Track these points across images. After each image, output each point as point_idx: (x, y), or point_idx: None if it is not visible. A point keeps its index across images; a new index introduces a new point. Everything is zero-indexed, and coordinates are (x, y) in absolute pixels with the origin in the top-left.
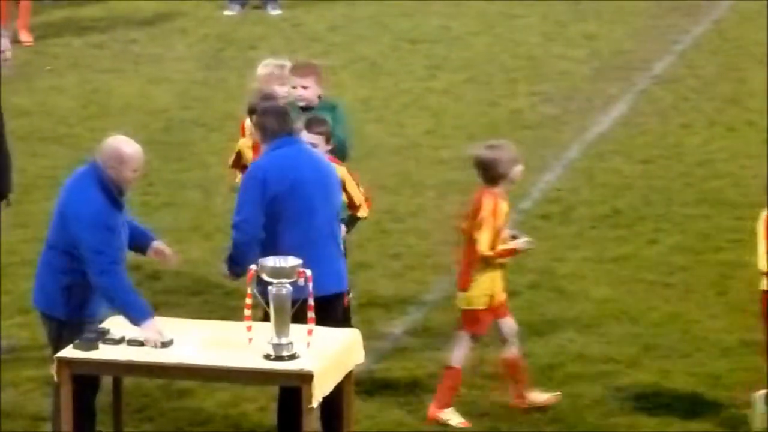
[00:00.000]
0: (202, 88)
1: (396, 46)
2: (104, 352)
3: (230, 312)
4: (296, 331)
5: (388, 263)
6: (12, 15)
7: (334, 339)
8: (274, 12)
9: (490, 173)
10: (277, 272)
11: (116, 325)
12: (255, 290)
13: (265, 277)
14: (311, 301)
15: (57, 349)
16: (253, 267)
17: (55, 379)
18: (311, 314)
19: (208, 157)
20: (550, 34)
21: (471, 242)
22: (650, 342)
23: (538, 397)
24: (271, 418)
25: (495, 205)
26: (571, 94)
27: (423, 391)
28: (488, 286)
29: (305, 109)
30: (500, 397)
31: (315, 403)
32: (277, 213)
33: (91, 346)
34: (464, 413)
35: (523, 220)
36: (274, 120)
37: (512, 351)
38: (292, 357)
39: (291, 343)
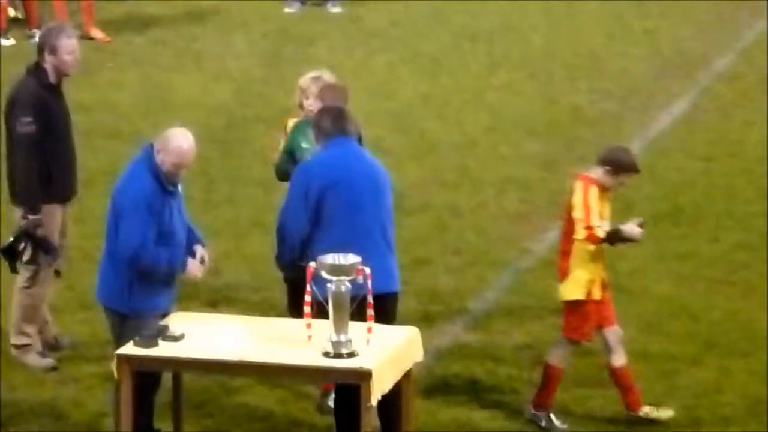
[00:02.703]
0: (263, 84)
1: (456, 42)
2: (164, 349)
3: None
4: (355, 328)
5: (448, 259)
6: (72, 13)
7: (393, 337)
8: (334, 9)
9: None
10: (337, 269)
11: (176, 321)
12: (314, 287)
13: (324, 275)
14: (370, 299)
15: (120, 344)
16: (312, 264)
17: (115, 375)
18: (371, 312)
19: (268, 153)
20: (612, 30)
21: None
22: (711, 340)
23: (652, 411)
24: (330, 415)
25: None
26: (632, 91)
27: (482, 389)
28: None
29: None
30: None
31: (374, 400)
32: (321, 211)
33: (151, 342)
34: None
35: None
36: (328, 120)
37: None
38: (351, 354)
39: (350, 341)
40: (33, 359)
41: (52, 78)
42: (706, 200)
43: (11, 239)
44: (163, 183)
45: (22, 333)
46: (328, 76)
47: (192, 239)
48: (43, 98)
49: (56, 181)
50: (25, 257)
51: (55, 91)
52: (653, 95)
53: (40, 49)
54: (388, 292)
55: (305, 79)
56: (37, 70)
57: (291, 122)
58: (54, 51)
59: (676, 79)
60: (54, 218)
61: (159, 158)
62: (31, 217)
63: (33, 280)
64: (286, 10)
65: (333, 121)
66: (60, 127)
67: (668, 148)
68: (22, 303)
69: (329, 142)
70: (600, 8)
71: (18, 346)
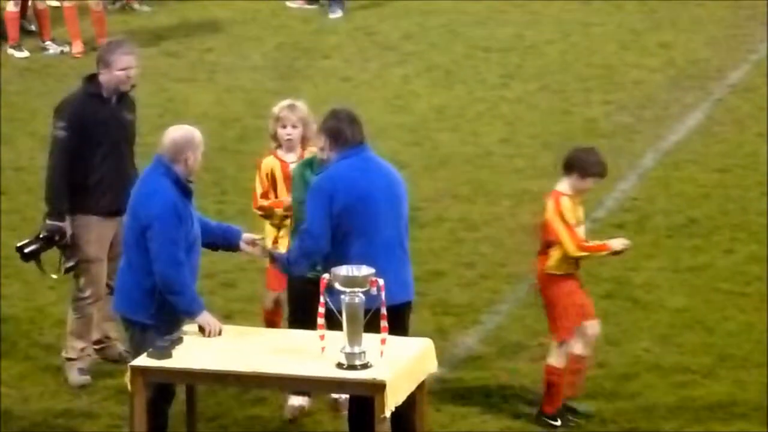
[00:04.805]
0: (276, 97)
1: (470, 54)
2: (178, 361)
3: None
4: (369, 340)
5: (462, 272)
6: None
7: (407, 348)
8: (334, 15)
9: None
10: (350, 281)
11: (190, 333)
12: (327, 299)
13: (338, 286)
14: (384, 311)
15: (139, 354)
16: (325, 276)
17: (129, 387)
18: (384, 323)
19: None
20: (626, 42)
21: None
22: (725, 352)
23: None
24: (345, 426)
25: None
26: (646, 103)
27: (496, 401)
28: None
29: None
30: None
31: (388, 412)
32: (345, 224)
33: (165, 354)
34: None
35: (597, 229)
36: (347, 126)
37: None
38: (365, 366)
39: (364, 352)
40: (73, 375)
41: (105, 91)
42: (721, 212)
43: (28, 239)
44: (185, 187)
45: (70, 347)
46: (301, 105)
47: (216, 230)
48: (85, 107)
49: (93, 193)
50: (67, 264)
51: (106, 103)
52: (667, 107)
53: (97, 62)
54: (407, 301)
55: (280, 107)
56: (89, 81)
57: (266, 162)
58: (108, 65)
59: (691, 91)
60: (90, 229)
61: (190, 157)
62: (48, 221)
63: (84, 293)
64: (288, 4)
65: (351, 127)
66: (104, 139)
67: (682, 160)
68: (70, 315)
69: (349, 152)
70: (614, 20)
71: (67, 359)
